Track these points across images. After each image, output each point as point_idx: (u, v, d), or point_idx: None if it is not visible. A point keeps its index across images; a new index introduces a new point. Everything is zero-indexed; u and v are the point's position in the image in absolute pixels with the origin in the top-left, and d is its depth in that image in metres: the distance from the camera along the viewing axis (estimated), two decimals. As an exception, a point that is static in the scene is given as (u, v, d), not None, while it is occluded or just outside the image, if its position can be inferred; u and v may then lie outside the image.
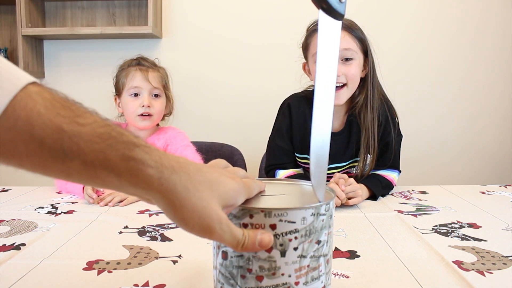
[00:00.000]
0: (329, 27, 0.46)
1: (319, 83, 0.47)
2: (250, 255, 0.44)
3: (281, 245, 0.43)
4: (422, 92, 2.18)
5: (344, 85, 1.14)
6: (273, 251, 0.43)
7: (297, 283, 0.44)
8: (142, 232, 0.87)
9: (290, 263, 0.43)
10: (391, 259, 0.72)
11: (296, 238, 0.43)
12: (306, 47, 1.23)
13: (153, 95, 1.31)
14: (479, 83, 2.18)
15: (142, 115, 1.29)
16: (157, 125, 1.39)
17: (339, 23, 0.46)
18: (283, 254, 0.43)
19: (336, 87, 1.14)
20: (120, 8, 2.15)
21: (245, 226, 0.43)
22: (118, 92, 1.34)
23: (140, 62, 1.32)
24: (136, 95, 1.30)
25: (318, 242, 0.45)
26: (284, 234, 0.43)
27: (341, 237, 0.83)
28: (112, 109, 1.38)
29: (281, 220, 0.42)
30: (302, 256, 0.44)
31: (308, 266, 0.44)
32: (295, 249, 0.43)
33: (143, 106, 1.28)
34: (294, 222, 0.43)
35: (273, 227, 0.43)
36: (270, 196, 0.51)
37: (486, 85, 2.18)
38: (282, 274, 0.43)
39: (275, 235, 0.43)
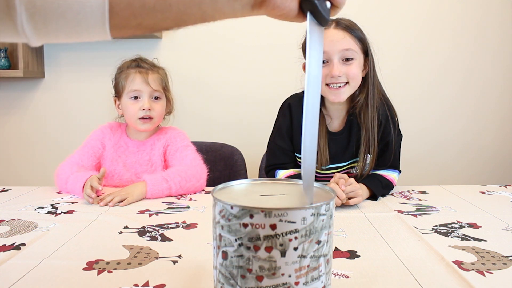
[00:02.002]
0: (316, 31, 0.49)
1: (309, 85, 0.50)
2: (250, 255, 0.44)
3: (281, 245, 0.43)
4: (422, 92, 2.18)
5: (346, 83, 1.14)
6: (273, 251, 0.43)
7: (297, 283, 0.44)
8: (142, 232, 0.87)
9: (290, 263, 0.43)
10: (391, 259, 0.72)
11: (296, 238, 0.43)
12: (306, 47, 1.23)
13: (153, 98, 1.31)
14: (479, 83, 2.18)
15: (142, 118, 1.29)
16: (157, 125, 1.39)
17: (322, 29, 0.49)
18: (283, 254, 0.43)
19: (338, 86, 1.14)
20: (120, 8, 2.15)
21: (245, 226, 0.43)
22: (118, 94, 1.33)
23: (140, 64, 1.31)
24: (136, 98, 1.29)
25: (318, 242, 0.45)
26: (284, 234, 0.43)
27: (341, 237, 0.83)
28: (112, 109, 1.38)
29: (281, 220, 0.42)
30: (302, 256, 0.44)
31: (308, 266, 0.44)
32: (295, 249, 0.43)
33: (144, 109, 1.27)
34: (294, 222, 0.43)
35: (273, 227, 0.43)
36: (270, 196, 0.51)
37: (486, 85, 2.18)
38: (282, 274, 0.43)
39: (275, 235, 0.43)
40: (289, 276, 0.44)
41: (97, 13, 0.39)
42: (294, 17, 0.49)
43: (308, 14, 0.48)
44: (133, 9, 0.40)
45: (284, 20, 0.50)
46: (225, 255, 0.46)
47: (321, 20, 0.49)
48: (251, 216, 0.43)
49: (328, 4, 0.49)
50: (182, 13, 0.42)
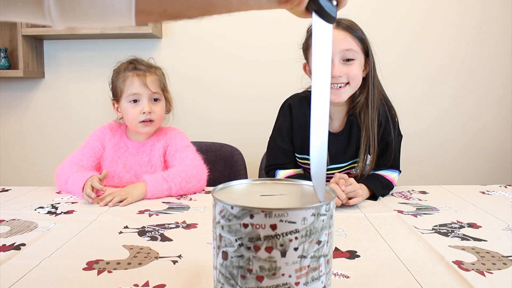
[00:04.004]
0: (322, 30, 0.48)
1: (316, 84, 0.49)
2: (251, 255, 0.44)
3: (281, 245, 0.43)
4: (422, 92, 2.18)
5: (347, 84, 1.14)
6: (273, 251, 0.43)
7: (297, 283, 0.44)
8: (142, 232, 0.87)
9: (291, 263, 0.43)
10: (391, 259, 0.72)
11: (296, 238, 0.43)
12: (306, 47, 1.23)
13: (153, 100, 1.30)
14: (479, 83, 2.18)
15: (143, 121, 1.28)
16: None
17: (330, 26, 0.48)
18: (283, 254, 0.43)
19: (339, 86, 1.14)
20: (120, 8, 2.15)
21: (245, 226, 0.43)
22: (116, 97, 1.32)
23: (137, 66, 1.29)
24: (135, 101, 1.28)
25: (319, 242, 0.45)
26: (284, 234, 0.43)
27: (341, 237, 0.83)
28: (112, 109, 1.38)
29: (281, 220, 0.42)
30: (302, 257, 0.44)
31: (308, 266, 0.44)
32: (296, 249, 0.43)
33: (144, 113, 1.27)
34: (294, 223, 0.43)
35: (273, 227, 0.43)
36: (270, 196, 0.51)
37: (486, 85, 2.18)
38: (283, 275, 0.43)
39: (276, 235, 0.43)
40: (290, 276, 0.44)
41: None
42: (303, 14, 0.48)
43: (314, 14, 0.47)
44: None
45: (298, 16, 0.50)
46: (225, 255, 0.46)
47: (328, 18, 0.47)
48: (252, 216, 0.43)
49: (334, 2, 0.48)
50: (207, 3, 0.42)
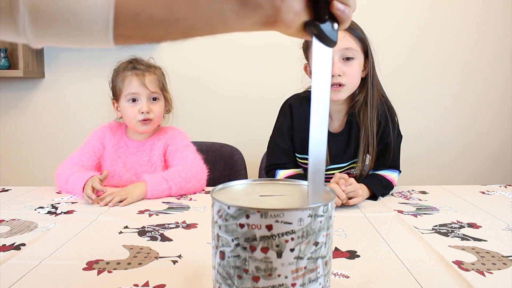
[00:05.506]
0: (322, 53, 0.47)
1: (315, 107, 0.48)
2: (247, 255, 0.44)
3: (277, 246, 0.43)
4: (422, 92, 2.18)
5: (343, 85, 1.14)
6: (269, 252, 0.43)
7: (293, 285, 0.44)
8: (142, 232, 0.87)
9: (287, 264, 0.43)
10: (391, 259, 0.72)
11: (292, 239, 0.43)
12: (306, 47, 1.23)
13: (151, 99, 1.30)
14: (479, 83, 2.17)
15: (142, 120, 1.28)
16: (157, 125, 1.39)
17: (330, 50, 0.47)
18: (279, 255, 0.43)
19: (336, 85, 1.14)
20: (121, 8, 2.15)
21: (241, 226, 0.43)
22: (116, 97, 1.32)
23: (135, 66, 1.29)
24: (134, 100, 1.28)
25: (316, 243, 0.45)
26: (280, 235, 0.43)
27: (341, 237, 0.83)
28: (112, 109, 1.38)
29: (277, 221, 0.42)
30: (299, 258, 0.44)
31: (305, 267, 0.44)
32: (292, 250, 0.43)
33: (142, 112, 1.27)
34: (290, 223, 0.43)
35: (269, 227, 0.43)
36: (269, 196, 0.51)
37: (486, 85, 2.17)
38: (279, 275, 0.43)
39: (272, 236, 0.43)
40: (286, 277, 0.44)
41: (101, 23, 0.38)
42: (295, 34, 0.48)
43: (314, 38, 0.46)
44: (139, 21, 0.39)
45: (290, 36, 0.49)
46: (222, 255, 0.46)
47: (328, 42, 0.46)
48: (247, 217, 0.43)
49: (336, 26, 0.46)
50: (190, 27, 0.41)
